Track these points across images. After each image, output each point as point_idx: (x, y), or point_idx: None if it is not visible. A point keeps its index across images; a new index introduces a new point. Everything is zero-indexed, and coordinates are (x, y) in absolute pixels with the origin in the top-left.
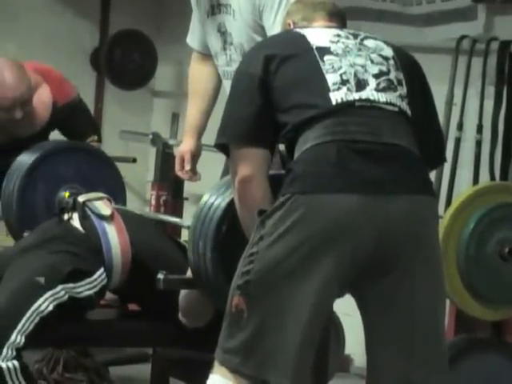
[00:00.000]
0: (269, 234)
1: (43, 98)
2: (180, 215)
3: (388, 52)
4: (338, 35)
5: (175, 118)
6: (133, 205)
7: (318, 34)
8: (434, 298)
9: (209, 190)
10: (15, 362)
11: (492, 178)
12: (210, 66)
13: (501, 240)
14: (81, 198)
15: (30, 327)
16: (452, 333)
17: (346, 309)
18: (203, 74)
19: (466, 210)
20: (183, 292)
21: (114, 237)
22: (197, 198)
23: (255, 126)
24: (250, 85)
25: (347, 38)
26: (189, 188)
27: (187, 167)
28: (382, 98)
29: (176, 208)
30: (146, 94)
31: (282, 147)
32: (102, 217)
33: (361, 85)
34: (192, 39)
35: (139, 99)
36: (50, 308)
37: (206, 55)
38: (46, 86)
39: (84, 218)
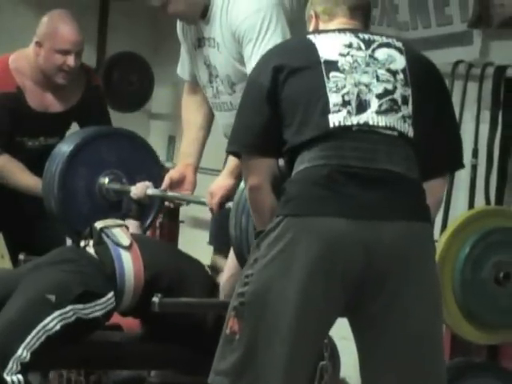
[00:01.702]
0: (263, 256)
1: (79, 79)
2: (176, 238)
3: (399, 64)
4: (350, 45)
5: (171, 141)
6: None
7: (329, 44)
8: (428, 321)
9: None
10: (20, 377)
11: (487, 202)
12: (200, 96)
13: (496, 264)
14: (98, 225)
15: (36, 344)
16: (447, 356)
17: (342, 331)
18: (193, 103)
19: (461, 234)
20: (226, 276)
21: (129, 263)
22: (193, 221)
23: (263, 136)
24: (259, 95)
25: (358, 48)
26: (185, 211)
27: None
28: (382, 121)
29: (172, 231)
30: (142, 116)
31: (281, 162)
32: (120, 245)
33: (362, 106)
34: (182, 70)
35: (136, 121)
36: (58, 327)
37: (198, 85)
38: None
39: (99, 244)
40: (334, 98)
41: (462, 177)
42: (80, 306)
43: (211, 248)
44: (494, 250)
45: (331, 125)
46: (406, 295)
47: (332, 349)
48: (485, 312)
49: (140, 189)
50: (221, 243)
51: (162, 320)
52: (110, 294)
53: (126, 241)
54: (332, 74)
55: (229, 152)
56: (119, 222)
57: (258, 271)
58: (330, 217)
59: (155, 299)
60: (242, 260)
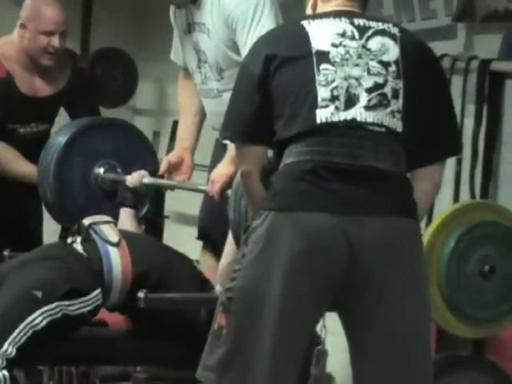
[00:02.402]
0: (249, 251)
1: (64, 62)
2: (161, 233)
3: (392, 54)
4: (343, 34)
5: (156, 136)
6: None
7: (322, 32)
8: (415, 318)
9: None
10: (5, 373)
11: (472, 195)
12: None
13: (481, 258)
14: (86, 221)
15: (22, 340)
16: (433, 351)
17: (330, 327)
18: (189, 88)
19: (446, 228)
20: (224, 263)
21: (117, 259)
22: (177, 216)
23: (254, 125)
24: (250, 84)
25: (352, 37)
26: (170, 206)
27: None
28: (370, 117)
29: (157, 226)
30: (126, 112)
31: (270, 153)
32: (108, 242)
33: (351, 101)
34: (176, 56)
35: (120, 117)
36: (44, 323)
37: None
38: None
39: (86, 241)
40: (322, 93)
41: (447, 171)
42: (66, 302)
43: (197, 243)
44: (480, 243)
45: (318, 120)
46: (392, 291)
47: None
48: (470, 306)
49: (136, 177)
50: (210, 240)
51: (149, 316)
52: (97, 291)
53: (114, 237)
54: (323, 66)
55: (222, 138)
56: (107, 218)
57: (245, 267)
58: (314, 212)
59: (140, 294)
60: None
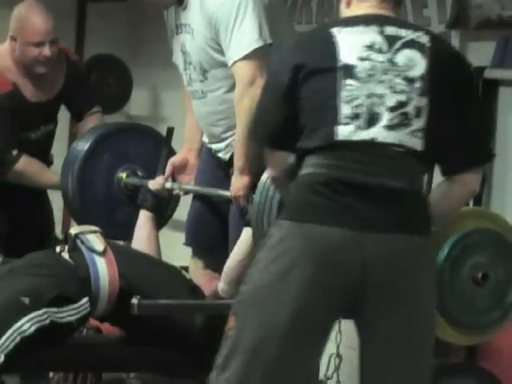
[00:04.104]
0: (264, 257)
1: (59, 60)
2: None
3: (418, 69)
4: (371, 46)
5: None
6: None
7: (351, 44)
8: (420, 328)
9: None
10: None
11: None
12: None
13: (474, 265)
14: (72, 231)
15: (10, 346)
16: None
17: None
18: None
19: (440, 235)
20: (232, 263)
21: (104, 268)
22: (174, 223)
23: (282, 132)
24: (278, 92)
25: (380, 50)
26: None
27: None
28: (389, 138)
29: None
30: (121, 119)
31: (291, 159)
32: (94, 251)
33: (372, 120)
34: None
35: None
36: (32, 329)
37: None
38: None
39: (73, 250)
40: (344, 109)
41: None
42: (54, 309)
43: (189, 249)
44: (473, 251)
45: (337, 137)
46: (400, 304)
47: None
48: (463, 313)
49: (159, 182)
50: (199, 246)
51: (141, 326)
52: (85, 300)
53: (99, 246)
54: (347, 81)
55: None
56: (94, 228)
57: (258, 272)
58: (326, 225)
59: (134, 301)
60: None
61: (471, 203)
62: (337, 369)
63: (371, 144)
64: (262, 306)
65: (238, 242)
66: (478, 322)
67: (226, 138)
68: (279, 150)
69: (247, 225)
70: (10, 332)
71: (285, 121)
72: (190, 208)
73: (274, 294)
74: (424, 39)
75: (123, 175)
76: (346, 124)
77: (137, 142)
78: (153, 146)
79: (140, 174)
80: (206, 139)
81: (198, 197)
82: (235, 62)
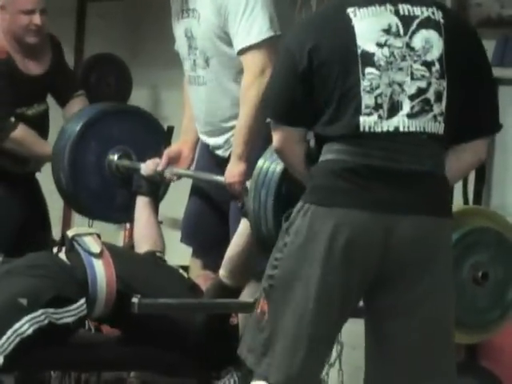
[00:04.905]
0: (290, 242)
1: (45, 39)
2: None
3: (436, 51)
4: (388, 30)
5: None
6: (105, 228)
7: (368, 27)
8: (442, 309)
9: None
10: None
11: (465, 201)
12: None
13: (474, 264)
14: (69, 233)
15: (9, 348)
16: None
17: None
18: None
19: None
20: (233, 251)
21: (101, 270)
22: (171, 222)
23: (293, 110)
24: (293, 72)
25: (397, 34)
26: (163, 212)
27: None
28: (412, 126)
29: None
30: None
31: (311, 142)
32: (91, 253)
33: (394, 108)
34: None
35: None
36: (30, 331)
37: None
38: None
39: (70, 251)
40: (366, 100)
41: None
42: (51, 310)
43: (189, 249)
44: (473, 250)
45: (361, 128)
46: (423, 284)
47: None
48: (463, 312)
49: (150, 166)
50: (198, 245)
51: (139, 328)
52: (82, 301)
53: (96, 248)
54: (368, 70)
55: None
56: (91, 230)
57: (287, 256)
58: (354, 209)
59: (135, 300)
60: (258, 233)
61: (471, 202)
62: (339, 356)
63: (395, 134)
64: (295, 294)
65: (237, 232)
66: (478, 321)
67: (224, 131)
68: (289, 126)
69: (245, 216)
70: (8, 333)
71: (297, 100)
72: (187, 206)
73: (304, 282)
74: (438, 16)
75: (114, 157)
76: (370, 114)
77: (126, 123)
78: (143, 127)
79: (134, 157)
80: (202, 136)
81: (195, 195)
82: (243, 49)
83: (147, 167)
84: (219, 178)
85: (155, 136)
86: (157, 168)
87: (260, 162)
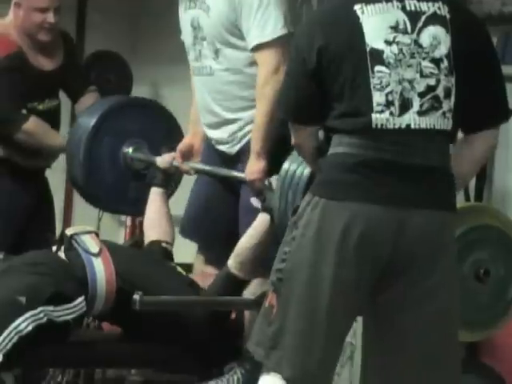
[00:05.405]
0: (300, 235)
1: (58, 35)
2: None
3: (444, 47)
4: (396, 27)
5: None
6: (106, 226)
7: (375, 24)
8: (450, 301)
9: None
10: None
11: (467, 199)
12: None
13: (476, 261)
14: (68, 232)
15: (9, 346)
16: None
17: None
18: None
19: None
20: (247, 244)
21: (101, 268)
22: (174, 219)
23: (305, 109)
24: (303, 72)
25: (404, 30)
26: None
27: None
28: (423, 123)
29: None
30: None
31: (320, 133)
32: (89, 252)
33: (404, 106)
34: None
35: None
36: (29, 328)
37: None
38: None
39: (69, 250)
40: (377, 97)
41: None
42: (50, 307)
43: (191, 245)
44: (474, 247)
45: (373, 125)
46: (430, 278)
47: None
48: (465, 309)
49: (167, 159)
50: (201, 240)
51: (140, 325)
52: (81, 299)
53: (94, 248)
54: (377, 68)
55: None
56: (89, 228)
57: (296, 250)
58: (367, 203)
59: (136, 297)
60: (284, 229)
61: (472, 199)
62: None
63: (406, 130)
64: (304, 288)
65: (253, 225)
66: (480, 318)
67: (227, 123)
68: (303, 124)
69: (265, 210)
70: (7, 331)
71: (308, 99)
72: (190, 200)
73: (314, 276)
74: (444, 10)
75: (129, 150)
76: (381, 112)
77: (140, 116)
78: (156, 119)
79: (147, 151)
80: (205, 128)
81: (199, 190)
82: (257, 46)
83: (163, 159)
84: (240, 175)
85: (169, 129)
86: (173, 162)
87: (286, 164)
